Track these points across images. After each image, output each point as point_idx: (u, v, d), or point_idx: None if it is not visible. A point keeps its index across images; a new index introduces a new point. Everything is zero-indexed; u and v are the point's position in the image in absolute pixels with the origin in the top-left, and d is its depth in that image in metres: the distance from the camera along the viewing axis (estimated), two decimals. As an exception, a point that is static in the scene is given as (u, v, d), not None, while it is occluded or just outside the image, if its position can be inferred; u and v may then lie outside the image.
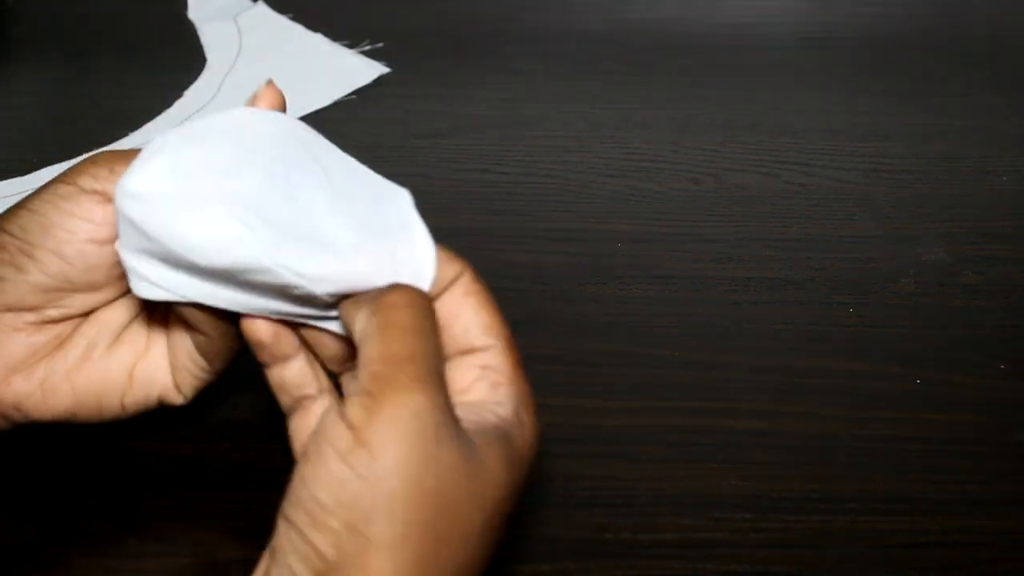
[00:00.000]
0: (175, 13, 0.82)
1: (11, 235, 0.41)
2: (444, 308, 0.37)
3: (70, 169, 0.41)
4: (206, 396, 0.48)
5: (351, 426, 0.32)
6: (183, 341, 0.43)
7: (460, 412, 0.35)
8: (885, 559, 0.43)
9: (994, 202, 0.64)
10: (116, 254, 0.40)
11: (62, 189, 0.41)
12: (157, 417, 0.47)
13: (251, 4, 0.82)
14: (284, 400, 0.40)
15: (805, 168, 0.67)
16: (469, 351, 0.37)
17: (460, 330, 0.37)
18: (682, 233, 0.61)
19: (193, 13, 0.82)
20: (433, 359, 0.34)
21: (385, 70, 0.75)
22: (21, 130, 0.71)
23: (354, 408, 0.33)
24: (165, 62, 0.77)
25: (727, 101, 0.73)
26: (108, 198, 0.40)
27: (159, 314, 0.44)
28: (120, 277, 0.42)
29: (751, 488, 0.46)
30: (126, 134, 0.68)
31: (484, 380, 0.37)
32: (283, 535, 0.33)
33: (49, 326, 0.42)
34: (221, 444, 0.48)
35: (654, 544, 0.44)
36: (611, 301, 0.56)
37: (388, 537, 0.32)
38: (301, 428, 0.40)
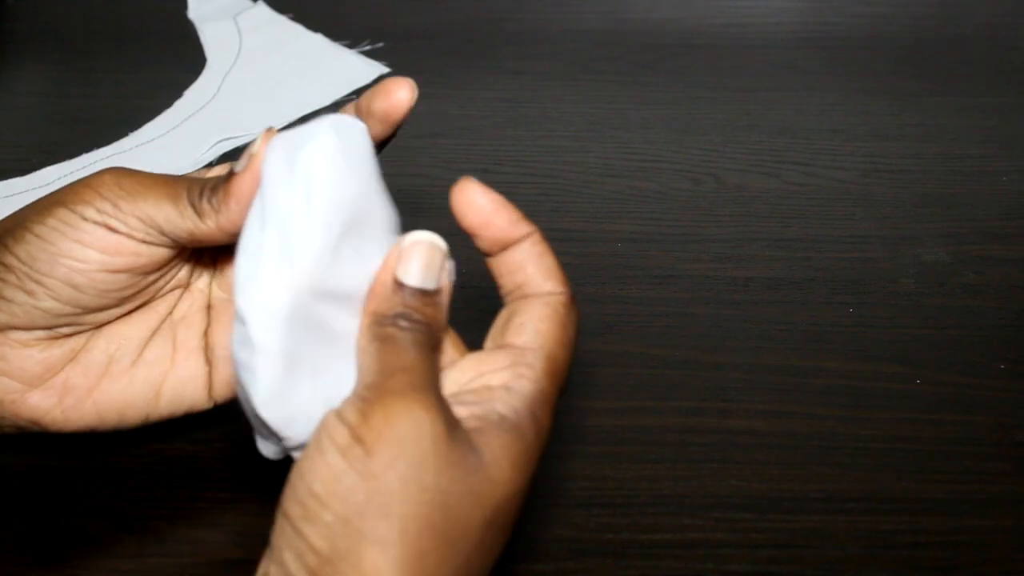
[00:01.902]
0: (175, 13, 0.82)
1: (18, 259, 0.40)
2: (521, 311, 0.38)
3: (69, 193, 0.40)
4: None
5: (348, 425, 0.33)
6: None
7: (466, 400, 0.36)
8: (885, 559, 0.43)
9: (994, 202, 0.64)
10: (128, 277, 0.40)
11: (66, 216, 0.40)
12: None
13: (251, 4, 0.82)
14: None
15: (805, 168, 0.67)
16: (509, 346, 0.37)
17: (514, 327, 0.37)
18: (682, 233, 0.61)
19: (193, 13, 0.82)
20: (428, 371, 0.35)
21: (385, 70, 0.75)
22: (21, 130, 0.71)
23: (350, 410, 0.33)
24: (165, 62, 0.77)
25: (727, 101, 0.73)
26: (114, 229, 0.40)
27: (187, 327, 0.44)
28: (133, 296, 0.42)
29: (751, 488, 0.46)
30: (126, 134, 0.68)
31: (511, 371, 0.37)
32: (278, 530, 0.33)
33: (61, 340, 0.42)
34: (221, 444, 0.48)
35: (654, 544, 0.44)
36: (611, 301, 0.56)
37: (383, 532, 0.32)
38: None
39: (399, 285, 0.36)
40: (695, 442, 0.48)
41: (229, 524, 0.45)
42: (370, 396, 0.33)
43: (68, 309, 0.41)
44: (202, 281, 0.45)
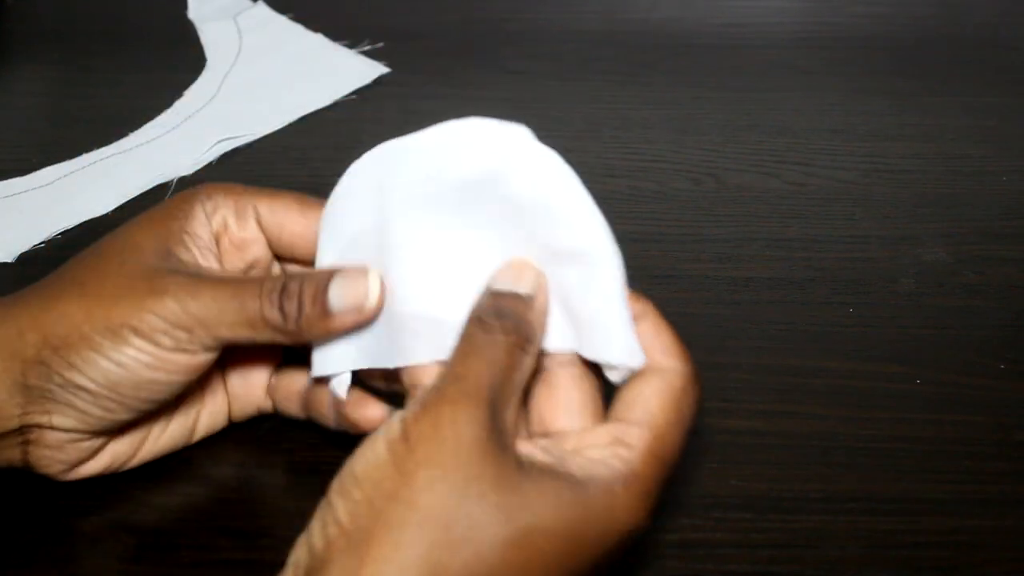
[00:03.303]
0: (175, 13, 0.82)
1: (96, 383, 0.40)
2: (634, 386, 0.38)
3: (130, 311, 0.39)
4: (206, 396, 0.48)
5: (403, 422, 0.35)
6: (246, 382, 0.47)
7: (551, 450, 0.36)
8: (885, 559, 0.43)
9: (994, 202, 0.64)
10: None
11: (143, 345, 0.40)
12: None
13: (251, 4, 0.82)
14: None
15: (805, 168, 0.67)
16: (617, 420, 0.38)
17: (626, 402, 0.38)
18: (682, 233, 0.61)
19: (193, 13, 0.82)
20: (490, 381, 0.35)
21: (385, 70, 0.75)
22: (21, 130, 0.71)
23: (408, 410, 0.35)
24: (165, 62, 0.77)
25: (727, 101, 0.73)
26: (190, 352, 0.40)
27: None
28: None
29: (751, 488, 0.46)
30: (126, 134, 0.68)
31: (609, 449, 0.37)
32: (319, 505, 0.35)
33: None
34: (221, 445, 0.48)
35: (654, 544, 0.44)
36: (611, 301, 0.56)
37: (399, 520, 0.33)
38: None
39: (490, 289, 0.38)
40: (695, 442, 0.48)
41: (229, 524, 0.45)
42: (427, 399, 0.35)
43: (140, 415, 0.43)
44: None
